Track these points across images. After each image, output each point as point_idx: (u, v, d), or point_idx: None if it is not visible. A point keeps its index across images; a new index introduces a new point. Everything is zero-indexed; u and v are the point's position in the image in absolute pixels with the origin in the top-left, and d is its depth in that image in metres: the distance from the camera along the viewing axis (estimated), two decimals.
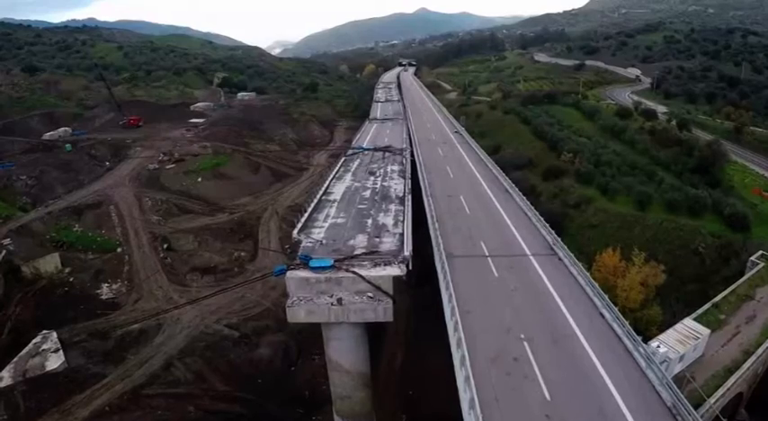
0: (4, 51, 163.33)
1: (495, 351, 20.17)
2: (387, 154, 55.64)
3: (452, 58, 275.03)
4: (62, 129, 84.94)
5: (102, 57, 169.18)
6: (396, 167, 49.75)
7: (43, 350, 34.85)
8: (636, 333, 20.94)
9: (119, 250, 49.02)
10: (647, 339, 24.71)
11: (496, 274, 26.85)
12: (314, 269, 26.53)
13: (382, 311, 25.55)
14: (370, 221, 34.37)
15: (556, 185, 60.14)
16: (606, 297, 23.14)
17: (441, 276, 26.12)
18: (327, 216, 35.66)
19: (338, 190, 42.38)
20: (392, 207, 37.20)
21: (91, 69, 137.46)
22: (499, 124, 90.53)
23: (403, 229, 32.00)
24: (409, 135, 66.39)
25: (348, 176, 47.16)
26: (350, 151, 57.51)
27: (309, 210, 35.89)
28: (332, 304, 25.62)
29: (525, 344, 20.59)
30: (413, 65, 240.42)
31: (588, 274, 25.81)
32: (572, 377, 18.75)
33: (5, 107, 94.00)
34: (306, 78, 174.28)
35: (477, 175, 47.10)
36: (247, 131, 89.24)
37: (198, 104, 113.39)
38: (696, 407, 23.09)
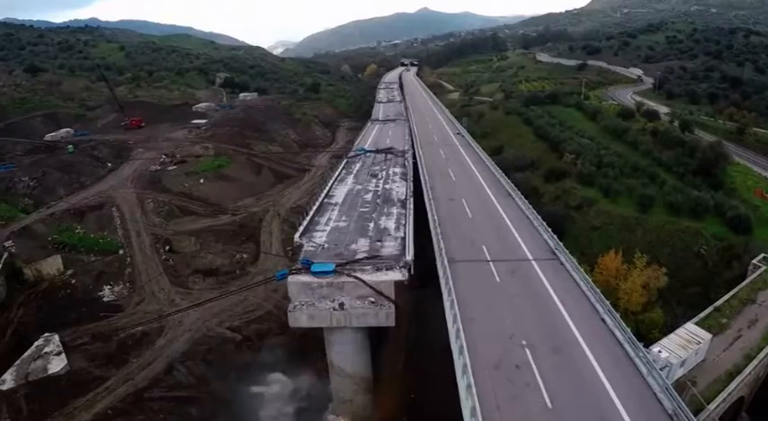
0: (6, 52, 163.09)
1: (497, 358, 20.18)
2: (389, 156, 55.69)
3: (454, 57, 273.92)
4: (64, 130, 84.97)
5: (104, 57, 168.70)
6: (398, 170, 49.79)
7: (45, 353, 34.95)
8: (637, 337, 20.97)
9: (121, 252, 49.08)
10: (648, 344, 24.73)
11: (498, 279, 26.82)
12: (316, 274, 26.61)
13: (384, 316, 25.63)
14: (371, 225, 34.41)
15: (558, 187, 59.94)
16: (608, 303, 23.13)
17: (443, 282, 26.05)
18: (329, 219, 35.72)
19: (340, 193, 42.44)
20: (394, 210, 37.25)
21: (93, 70, 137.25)
22: (501, 125, 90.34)
23: (405, 233, 32.01)
24: (411, 136, 66.41)
25: (350, 179, 47.21)
26: (352, 153, 57.53)
27: (311, 213, 35.96)
28: (334, 309, 25.70)
29: (527, 350, 20.59)
30: (415, 65, 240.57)
31: (590, 279, 25.77)
32: (573, 384, 18.76)
33: (8, 108, 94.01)
34: (308, 78, 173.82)
35: (479, 178, 47.08)
36: (249, 132, 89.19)
37: (200, 105, 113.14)
38: (698, 411, 23.13)
